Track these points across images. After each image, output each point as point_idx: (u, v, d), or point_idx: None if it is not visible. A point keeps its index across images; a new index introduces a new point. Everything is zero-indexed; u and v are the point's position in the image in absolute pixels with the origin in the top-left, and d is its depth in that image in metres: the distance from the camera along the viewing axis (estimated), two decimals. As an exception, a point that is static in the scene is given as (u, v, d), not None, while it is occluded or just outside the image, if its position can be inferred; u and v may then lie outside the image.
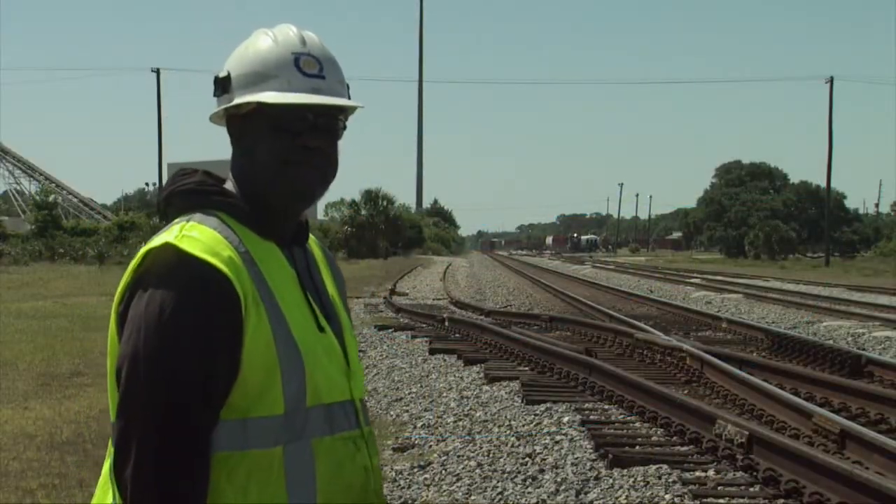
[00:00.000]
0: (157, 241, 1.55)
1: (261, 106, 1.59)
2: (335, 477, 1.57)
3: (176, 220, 1.60)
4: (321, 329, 1.61)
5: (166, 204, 1.66)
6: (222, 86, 1.64)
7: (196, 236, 1.53)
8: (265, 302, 1.53)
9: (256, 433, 1.51)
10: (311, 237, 1.75)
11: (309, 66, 1.61)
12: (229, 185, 1.65)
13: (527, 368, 10.27)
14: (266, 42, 1.63)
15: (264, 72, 1.60)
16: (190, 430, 1.46)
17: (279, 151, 1.58)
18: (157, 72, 49.21)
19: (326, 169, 1.63)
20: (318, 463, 1.55)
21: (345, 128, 1.66)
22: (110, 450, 1.60)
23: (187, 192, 1.63)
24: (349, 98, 1.65)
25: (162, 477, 1.45)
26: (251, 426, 1.50)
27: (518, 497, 5.54)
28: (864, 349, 12.46)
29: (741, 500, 5.33)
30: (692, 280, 31.99)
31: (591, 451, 6.34)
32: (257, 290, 1.53)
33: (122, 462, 1.47)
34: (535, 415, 7.62)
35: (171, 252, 1.51)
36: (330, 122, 1.61)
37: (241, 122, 1.63)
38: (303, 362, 1.54)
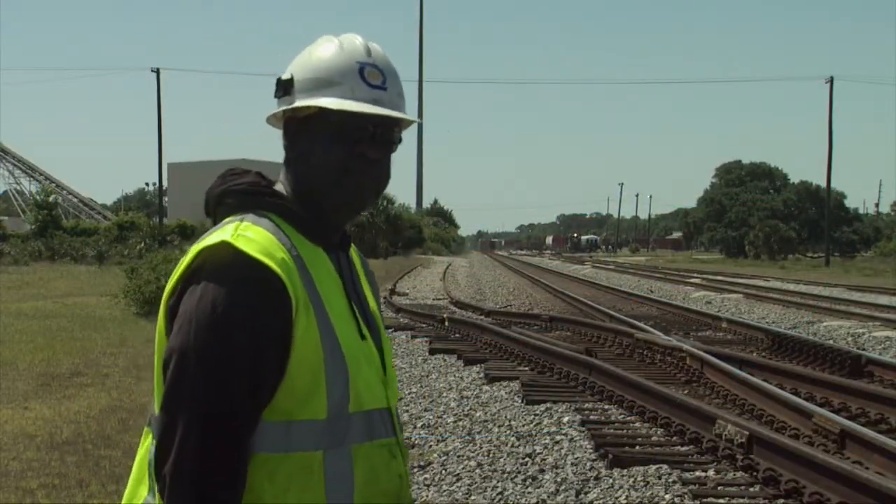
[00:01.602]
0: (211, 238, 1.55)
1: (322, 111, 1.59)
2: (371, 483, 1.58)
3: (228, 220, 1.60)
4: (363, 337, 1.62)
5: (217, 203, 1.66)
6: (284, 88, 1.64)
7: (251, 236, 1.53)
8: (314, 307, 1.54)
9: (299, 436, 1.52)
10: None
11: (373, 76, 1.61)
12: (279, 188, 1.65)
13: (527, 368, 10.27)
14: (332, 49, 1.63)
15: (328, 78, 1.60)
16: (233, 429, 1.47)
17: (338, 159, 1.59)
18: (157, 72, 49.18)
19: (381, 180, 1.64)
20: (356, 469, 1.56)
21: (400, 140, 1.66)
22: (145, 442, 1.62)
23: (241, 191, 1.63)
24: (405, 111, 1.66)
25: (202, 473, 1.45)
26: (295, 429, 1.51)
27: (518, 497, 5.54)
28: (864, 349, 12.47)
29: (741, 500, 5.33)
30: (692, 280, 31.99)
31: (591, 451, 6.34)
32: (308, 294, 1.54)
33: (163, 455, 1.47)
34: (535, 415, 7.62)
35: (228, 250, 1.51)
36: (388, 134, 1.62)
37: (299, 126, 1.63)
38: (347, 369, 1.55)
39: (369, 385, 1.60)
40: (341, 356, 1.55)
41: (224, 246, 1.52)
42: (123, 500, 1.64)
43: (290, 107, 1.62)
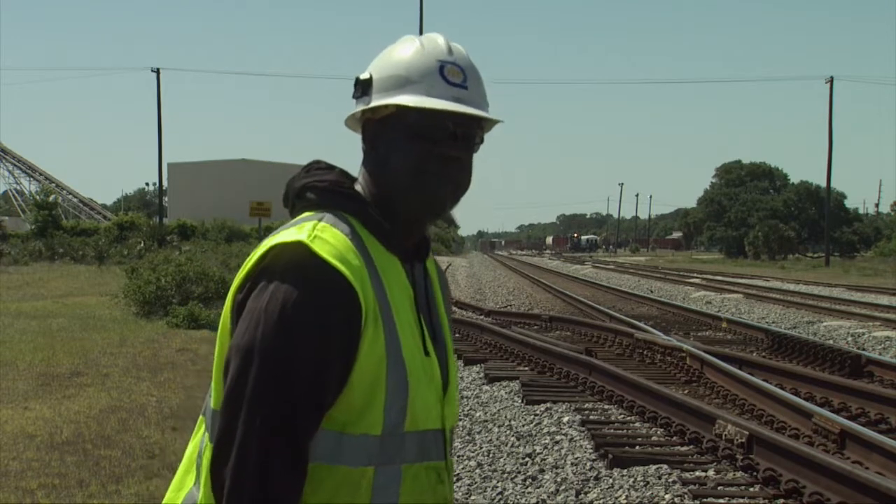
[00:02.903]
0: (286, 236, 1.50)
1: (400, 111, 1.54)
2: None
3: (305, 216, 1.55)
4: (426, 353, 1.57)
5: (297, 195, 1.61)
6: (363, 88, 1.59)
7: (328, 239, 1.48)
8: (384, 319, 1.49)
9: (351, 450, 1.47)
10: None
11: (453, 74, 1.56)
12: (359, 188, 1.60)
13: (527, 368, 10.27)
14: (412, 48, 1.58)
15: (407, 76, 1.55)
16: (295, 433, 1.43)
17: (416, 159, 1.53)
18: (157, 72, 49.16)
19: (461, 180, 1.58)
20: (403, 490, 1.51)
21: (482, 142, 1.60)
22: (198, 432, 1.59)
23: (324, 189, 1.58)
24: (488, 111, 1.60)
25: (263, 477, 1.41)
26: (347, 442, 1.47)
27: (518, 497, 5.54)
28: (864, 349, 12.47)
29: (741, 500, 5.33)
30: (692, 280, 32.00)
31: (591, 451, 6.34)
32: (378, 305, 1.49)
33: (222, 457, 1.43)
34: (535, 415, 7.62)
35: (303, 251, 1.46)
36: (468, 134, 1.56)
37: (377, 127, 1.58)
38: (408, 386, 1.50)
39: (427, 405, 1.55)
40: (404, 373, 1.50)
41: (299, 246, 1.46)
42: (170, 488, 1.62)
43: (368, 106, 1.57)
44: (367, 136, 1.61)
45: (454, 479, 5.99)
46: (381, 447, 1.49)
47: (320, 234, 1.49)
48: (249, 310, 1.46)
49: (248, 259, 1.53)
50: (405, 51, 1.58)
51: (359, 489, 1.47)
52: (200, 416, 1.62)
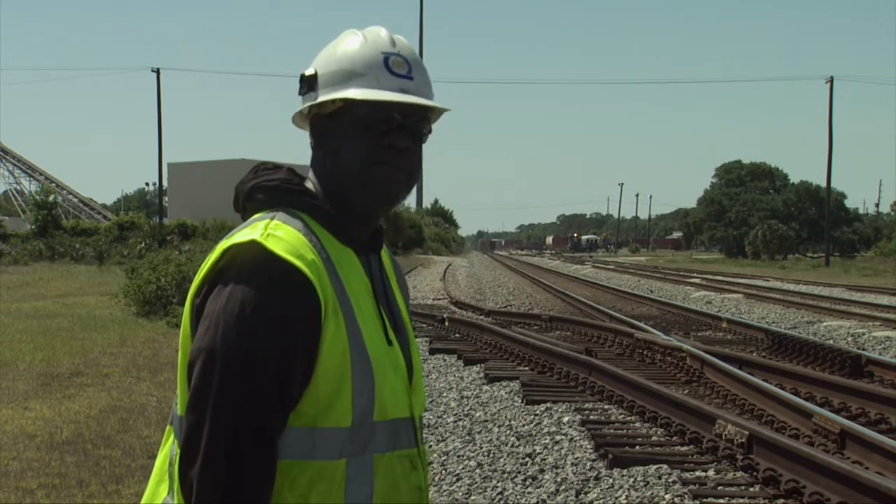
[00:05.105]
0: (239, 237, 1.51)
1: (347, 104, 1.55)
2: (391, 495, 1.54)
3: (257, 217, 1.56)
4: (389, 342, 1.58)
5: (247, 198, 1.61)
6: (308, 84, 1.60)
7: (281, 236, 1.49)
8: (343, 310, 1.50)
9: (323, 444, 1.48)
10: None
11: (398, 66, 1.57)
12: (310, 186, 1.61)
13: (527, 368, 10.27)
14: (356, 41, 1.59)
15: (352, 69, 1.56)
16: (262, 431, 1.43)
17: (366, 151, 1.54)
18: (157, 72, 49.16)
19: (412, 170, 1.59)
20: (376, 479, 1.52)
21: (429, 131, 1.62)
22: (167, 442, 1.60)
23: (272, 188, 1.59)
24: (434, 100, 1.62)
25: (231, 476, 1.41)
26: (319, 436, 1.48)
27: (518, 497, 5.54)
28: (864, 349, 12.47)
29: (741, 500, 5.32)
30: (692, 280, 31.99)
31: (591, 451, 6.34)
32: (337, 298, 1.50)
33: (189, 459, 1.43)
34: (535, 415, 7.62)
35: (257, 249, 1.47)
36: (416, 124, 1.58)
37: (325, 122, 1.59)
38: (373, 376, 1.51)
39: (395, 393, 1.56)
40: (368, 363, 1.50)
41: (253, 245, 1.47)
42: (143, 500, 1.62)
43: (315, 102, 1.58)
44: (315, 132, 1.62)
45: (453, 476, 5.99)
46: (352, 438, 1.50)
47: (273, 231, 1.50)
48: (208, 313, 1.46)
49: (203, 263, 1.53)
50: (349, 45, 1.59)
51: (333, 481, 1.48)
52: (168, 427, 1.62)
